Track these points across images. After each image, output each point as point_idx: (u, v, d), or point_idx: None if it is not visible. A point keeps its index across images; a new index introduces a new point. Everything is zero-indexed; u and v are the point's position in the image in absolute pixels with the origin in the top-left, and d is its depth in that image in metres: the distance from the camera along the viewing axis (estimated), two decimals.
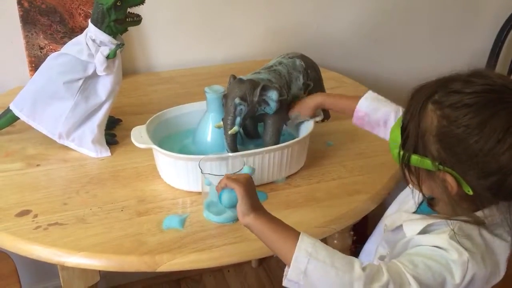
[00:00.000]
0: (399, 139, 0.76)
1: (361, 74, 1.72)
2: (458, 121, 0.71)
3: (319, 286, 0.71)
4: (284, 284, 0.73)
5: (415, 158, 0.75)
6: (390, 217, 0.90)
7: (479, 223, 0.76)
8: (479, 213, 0.76)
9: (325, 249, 0.72)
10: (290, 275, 0.71)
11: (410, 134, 0.75)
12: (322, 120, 1.15)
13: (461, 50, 1.90)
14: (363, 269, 0.70)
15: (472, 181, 0.72)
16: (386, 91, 1.55)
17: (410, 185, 0.82)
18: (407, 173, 0.78)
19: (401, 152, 0.76)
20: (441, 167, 0.73)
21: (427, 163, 0.74)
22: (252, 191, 0.79)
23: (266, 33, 1.66)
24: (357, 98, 1.01)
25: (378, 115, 0.99)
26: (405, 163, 0.76)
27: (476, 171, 0.71)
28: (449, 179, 0.73)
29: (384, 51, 1.82)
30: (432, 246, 0.75)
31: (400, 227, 0.83)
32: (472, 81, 0.73)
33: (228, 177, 0.81)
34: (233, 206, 0.80)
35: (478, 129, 0.70)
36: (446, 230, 0.75)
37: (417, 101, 0.76)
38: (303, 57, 1.16)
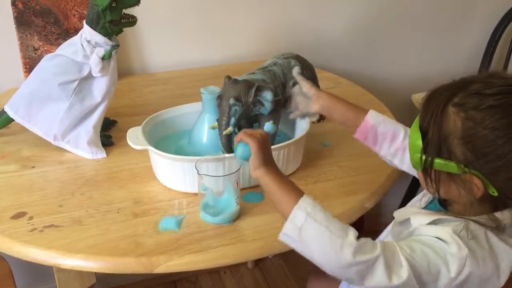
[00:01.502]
0: (420, 144, 0.76)
1: (356, 74, 1.73)
2: (484, 123, 0.71)
3: (311, 244, 0.74)
4: (279, 237, 0.77)
5: (438, 162, 0.74)
6: (399, 211, 0.89)
7: (492, 225, 0.75)
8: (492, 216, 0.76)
9: (324, 213, 0.75)
10: (287, 228, 0.75)
11: (432, 138, 0.75)
12: (318, 121, 1.15)
13: (455, 50, 1.90)
14: (357, 238, 0.72)
15: (499, 182, 0.73)
16: (381, 91, 1.56)
17: (424, 188, 0.82)
18: (425, 177, 0.78)
19: (423, 157, 0.76)
20: (467, 169, 0.73)
21: (452, 166, 0.74)
22: (266, 147, 0.83)
23: (261, 34, 1.66)
24: (362, 109, 0.98)
25: (386, 128, 0.95)
26: (428, 167, 0.76)
27: (505, 171, 0.72)
28: (476, 181, 0.73)
29: (380, 51, 1.83)
30: (435, 237, 0.75)
31: (408, 220, 0.83)
32: (492, 82, 0.73)
33: (245, 131, 0.85)
34: (246, 159, 0.84)
35: (506, 130, 0.70)
36: (452, 224, 0.76)
37: (436, 104, 0.75)
38: (298, 58, 1.16)
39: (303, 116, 1.07)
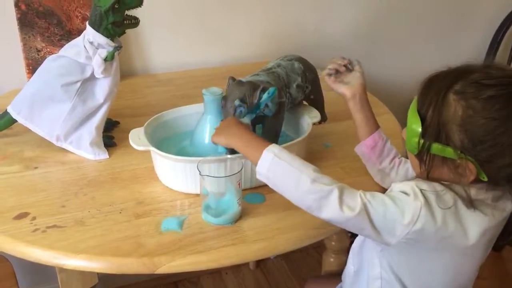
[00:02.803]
0: (418, 128, 0.78)
1: None
2: (484, 112, 0.74)
3: (278, 179, 0.84)
4: (257, 176, 0.86)
5: (436, 147, 0.78)
6: None
7: (463, 195, 0.79)
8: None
9: (289, 154, 0.84)
10: (258, 166, 0.84)
11: (431, 123, 0.78)
12: (320, 122, 1.16)
13: (458, 50, 1.90)
14: (316, 171, 0.81)
15: (491, 169, 0.76)
16: (383, 92, 1.56)
17: (414, 170, 0.86)
18: (419, 160, 0.81)
19: (421, 141, 0.78)
20: (462, 155, 0.76)
21: (449, 151, 0.77)
22: (220, 129, 0.95)
23: (263, 35, 1.66)
24: (377, 123, 1.04)
25: (392, 146, 1.02)
26: (424, 151, 0.79)
27: (500, 160, 0.75)
28: (471, 166, 0.76)
29: (382, 52, 1.83)
30: (400, 191, 0.79)
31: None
32: (491, 72, 0.77)
33: (212, 138, 0.96)
34: (226, 150, 0.96)
35: (505, 120, 0.74)
36: (419, 181, 0.80)
37: (436, 90, 0.78)
38: (301, 60, 1.16)
39: (332, 83, 1.05)
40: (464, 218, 0.79)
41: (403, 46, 1.86)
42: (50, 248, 0.88)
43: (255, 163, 0.86)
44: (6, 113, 1.14)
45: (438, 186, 0.79)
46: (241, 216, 0.96)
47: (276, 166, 0.83)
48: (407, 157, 0.97)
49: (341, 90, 1.03)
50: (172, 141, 1.12)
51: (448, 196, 0.79)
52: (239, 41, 1.65)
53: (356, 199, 0.78)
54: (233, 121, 0.96)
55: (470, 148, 0.76)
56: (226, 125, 0.95)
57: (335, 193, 0.78)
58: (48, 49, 1.44)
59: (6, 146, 1.17)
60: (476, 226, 0.80)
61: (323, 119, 1.20)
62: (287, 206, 0.99)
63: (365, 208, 0.77)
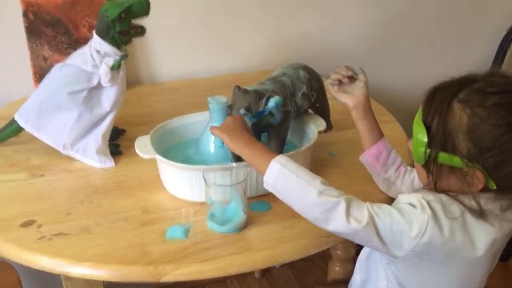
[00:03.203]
0: (424, 138, 0.79)
1: None
2: (490, 120, 0.75)
3: (284, 189, 0.84)
4: (264, 186, 0.86)
5: (443, 156, 0.78)
6: None
7: (473, 206, 0.78)
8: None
9: (296, 164, 0.84)
10: (266, 176, 0.84)
11: (437, 132, 0.78)
12: (325, 131, 1.15)
13: (463, 60, 1.90)
14: (323, 183, 0.81)
15: (499, 176, 0.76)
16: (389, 101, 1.56)
17: (421, 181, 0.86)
18: (426, 170, 0.81)
19: (428, 150, 0.78)
20: (470, 163, 0.76)
21: (456, 160, 0.77)
22: (228, 128, 0.93)
23: (268, 44, 1.67)
24: (381, 132, 1.04)
25: (397, 155, 1.03)
26: (431, 161, 0.79)
27: (507, 167, 0.75)
28: (479, 175, 0.76)
29: (387, 61, 1.83)
30: (407, 203, 0.79)
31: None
32: (494, 81, 0.77)
33: (212, 127, 0.96)
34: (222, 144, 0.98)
35: (510, 127, 0.74)
36: (425, 193, 0.80)
37: (440, 100, 0.78)
38: (306, 68, 1.16)
39: (335, 93, 1.05)
40: (472, 230, 0.79)
41: (408, 55, 1.86)
42: (55, 256, 0.88)
43: (261, 173, 0.85)
44: (13, 121, 1.15)
45: (444, 197, 0.79)
46: (246, 224, 0.96)
47: (283, 176, 0.83)
48: (413, 166, 0.97)
49: (344, 100, 1.03)
50: (177, 149, 1.13)
51: (455, 207, 0.78)
52: (245, 49, 1.66)
53: (363, 211, 0.78)
54: (240, 125, 0.95)
55: (477, 156, 0.76)
56: (233, 127, 0.94)
57: (342, 205, 0.78)
58: (55, 58, 1.45)
59: (14, 154, 1.18)
60: (484, 237, 0.79)
61: (329, 127, 1.20)
62: (293, 214, 0.99)
63: (372, 220, 0.77)
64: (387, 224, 0.77)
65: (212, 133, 0.96)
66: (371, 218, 0.77)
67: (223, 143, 0.95)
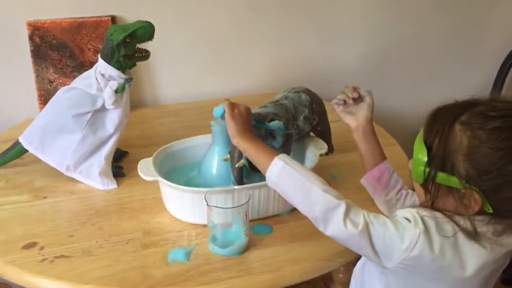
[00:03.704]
0: (424, 158, 0.80)
1: None
2: (490, 143, 0.75)
3: (287, 186, 0.85)
4: (266, 182, 0.87)
5: (441, 176, 0.79)
6: None
7: (468, 227, 0.78)
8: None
9: (299, 164, 0.87)
10: (269, 172, 0.86)
11: (437, 153, 0.79)
12: (327, 153, 1.16)
13: (464, 84, 1.91)
14: (325, 184, 0.83)
15: (496, 200, 0.77)
16: (392, 123, 1.57)
17: (419, 199, 0.86)
18: (424, 189, 0.82)
19: (427, 170, 0.79)
20: (467, 185, 0.77)
21: (454, 181, 0.78)
22: (239, 118, 0.94)
23: (271, 67, 1.69)
24: (384, 154, 1.05)
25: (398, 178, 1.03)
26: (430, 180, 0.80)
27: (505, 190, 0.76)
28: (476, 197, 0.77)
29: (389, 84, 1.84)
30: (402, 217, 0.80)
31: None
32: (496, 105, 0.79)
33: (229, 102, 0.98)
34: (218, 116, 1.00)
35: (510, 151, 0.75)
36: (420, 209, 0.81)
37: (442, 121, 0.80)
38: (308, 92, 1.18)
39: (339, 112, 1.07)
40: (462, 250, 0.79)
41: (410, 78, 1.87)
42: (57, 278, 0.88)
43: (264, 170, 0.87)
44: (17, 143, 1.16)
45: (439, 215, 0.80)
46: (248, 247, 0.96)
47: (286, 173, 0.85)
48: (411, 187, 0.97)
49: (347, 120, 1.05)
50: (180, 172, 1.13)
51: (449, 226, 0.79)
52: (247, 73, 1.68)
53: (359, 217, 0.79)
54: (249, 122, 0.97)
55: (476, 178, 0.76)
56: (242, 122, 0.95)
57: (342, 207, 0.79)
58: (60, 81, 1.47)
59: (17, 176, 1.18)
60: (474, 259, 0.79)
61: (330, 150, 1.21)
62: (294, 237, 0.99)
63: (367, 228, 0.78)
64: (380, 234, 0.78)
65: (225, 106, 0.96)
66: (366, 225, 0.78)
67: (218, 114, 0.98)
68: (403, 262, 0.77)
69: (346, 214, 0.79)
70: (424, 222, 0.78)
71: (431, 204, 0.81)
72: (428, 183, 0.81)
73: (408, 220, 0.79)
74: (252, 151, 0.91)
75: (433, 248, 0.77)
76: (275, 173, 0.85)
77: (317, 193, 0.82)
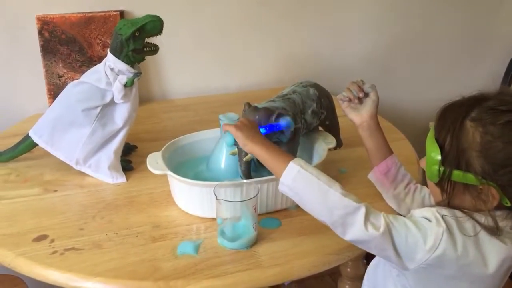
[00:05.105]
0: (438, 156, 0.79)
1: None
2: (503, 137, 0.76)
3: (303, 191, 0.83)
4: (279, 188, 0.85)
5: (457, 174, 0.78)
6: None
7: (489, 223, 0.78)
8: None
9: (315, 168, 0.84)
10: (283, 178, 0.83)
11: (450, 151, 0.79)
12: (335, 148, 1.16)
13: (472, 77, 1.91)
14: (342, 188, 0.81)
15: None
16: (399, 120, 1.56)
17: (435, 198, 0.86)
18: (440, 188, 0.82)
19: (441, 168, 0.79)
20: (484, 181, 0.76)
21: (470, 177, 0.78)
22: (245, 127, 0.93)
23: (279, 62, 1.69)
24: (391, 149, 1.05)
25: (406, 172, 1.03)
26: (445, 178, 0.79)
27: None
28: (493, 192, 0.77)
29: (396, 78, 1.84)
30: (421, 217, 0.79)
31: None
32: (505, 99, 0.79)
33: (225, 123, 0.97)
34: (233, 143, 0.99)
35: None
36: (440, 207, 0.80)
37: (452, 118, 0.80)
38: (316, 86, 1.18)
39: (344, 108, 1.06)
40: (484, 247, 0.79)
41: (418, 74, 1.87)
42: (67, 270, 0.89)
43: (278, 174, 0.85)
44: (27, 137, 1.17)
45: (458, 213, 0.79)
46: (256, 241, 0.96)
47: (303, 177, 0.82)
48: (424, 184, 0.97)
49: (351, 116, 1.05)
50: (189, 166, 1.14)
51: (469, 224, 0.79)
52: (255, 67, 1.68)
53: (379, 219, 0.78)
54: (255, 126, 0.96)
55: (492, 173, 0.76)
56: (249, 128, 0.94)
57: (362, 210, 0.78)
58: (69, 75, 1.48)
59: (27, 170, 1.19)
60: (496, 254, 0.79)
61: (339, 144, 1.21)
62: (303, 231, 1.00)
63: (388, 229, 0.77)
64: (403, 235, 0.77)
65: (225, 130, 0.96)
66: (387, 226, 0.77)
67: (233, 140, 0.95)
68: (426, 262, 0.77)
69: (367, 217, 0.78)
70: (445, 221, 0.77)
71: (447, 203, 0.81)
72: (444, 181, 0.80)
73: (428, 219, 0.78)
74: (265, 156, 0.88)
75: (456, 246, 0.77)
76: (291, 177, 0.83)
77: (335, 197, 0.80)
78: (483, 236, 0.79)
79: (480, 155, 0.77)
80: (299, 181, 0.83)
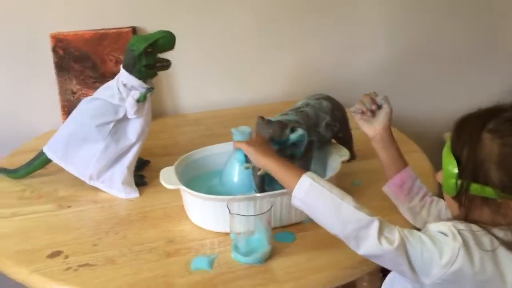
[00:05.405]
0: (455, 169, 0.78)
1: None
2: None
3: (316, 205, 0.83)
4: (292, 202, 0.85)
5: (475, 187, 0.77)
6: None
7: (508, 238, 0.77)
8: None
9: (327, 182, 0.84)
10: (296, 191, 0.84)
11: (467, 164, 0.78)
12: (349, 160, 1.15)
13: (487, 88, 1.88)
14: (355, 201, 0.81)
15: None
16: (414, 131, 1.55)
17: (452, 212, 0.84)
18: (458, 202, 0.80)
19: (459, 182, 0.78)
20: (503, 194, 0.75)
21: (489, 191, 0.76)
22: (256, 143, 0.96)
23: (291, 74, 1.69)
24: (405, 161, 1.04)
25: (421, 185, 1.02)
26: (462, 192, 0.78)
27: None
28: None
29: (409, 89, 1.83)
30: (437, 231, 0.78)
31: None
32: None
33: (236, 141, 1.00)
34: (245, 161, 1.02)
35: None
36: (456, 222, 0.78)
37: (469, 131, 0.78)
38: (329, 99, 1.17)
39: (357, 120, 1.06)
40: (502, 263, 0.77)
41: (429, 84, 1.85)
42: (81, 287, 0.89)
43: (290, 188, 0.85)
44: (42, 153, 1.18)
45: (475, 227, 0.78)
46: (271, 255, 0.95)
47: (315, 191, 0.82)
48: (440, 197, 0.95)
49: (364, 129, 1.05)
50: (201, 180, 1.14)
51: (486, 239, 0.77)
52: (267, 80, 1.68)
53: (394, 233, 0.77)
54: (266, 143, 0.98)
55: (510, 186, 0.75)
56: (260, 143, 0.96)
57: (376, 224, 0.77)
58: (83, 91, 1.49)
59: (41, 186, 1.20)
60: None
61: (352, 157, 1.20)
62: (318, 245, 0.98)
63: (403, 244, 0.76)
64: (418, 250, 0.76)
65: (236, 147, 0.98)
66: (402, 241, 0.76)
67: (246, 158, 0.97)
68: (442, 277, 0.75)
69: (381, 231, 0.77)
70: (462, 236, 0.75)
71: (465, 217, 0.79)
72: (461, 195, 0.79)
73: (445, 234, 0.77)
74: (277, 170, 0.89)
75: (473, 262, 0.75)
76: (303, 191, 0.83)
77: (348, 211, 0.79)
78: (501, 251, 0.77)
79: (498, 167, 0.75)
80: (312, 194, 0.83)
